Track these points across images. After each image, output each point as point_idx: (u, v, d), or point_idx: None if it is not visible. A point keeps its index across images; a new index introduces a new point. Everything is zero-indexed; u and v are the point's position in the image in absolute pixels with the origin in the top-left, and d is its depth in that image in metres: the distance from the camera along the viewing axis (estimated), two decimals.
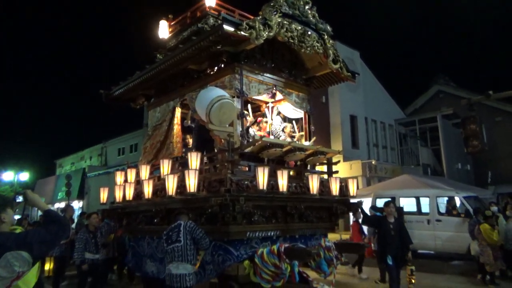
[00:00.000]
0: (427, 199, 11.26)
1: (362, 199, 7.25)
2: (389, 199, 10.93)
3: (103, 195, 7.28)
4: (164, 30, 7.54)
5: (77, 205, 26.36)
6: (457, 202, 10.99)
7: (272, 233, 5.34)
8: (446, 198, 11.29)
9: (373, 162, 17.55)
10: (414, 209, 11.45)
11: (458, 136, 16.82)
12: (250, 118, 6.86)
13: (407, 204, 11.58)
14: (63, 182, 23.43)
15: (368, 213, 7.33)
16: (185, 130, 7.09)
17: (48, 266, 9.21)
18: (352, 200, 6.48)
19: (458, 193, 11.33)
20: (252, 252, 5.00)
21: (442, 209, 11.10)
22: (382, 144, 21.87)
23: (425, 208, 11.22)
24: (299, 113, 7.03)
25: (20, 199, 2.48)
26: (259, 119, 7.38)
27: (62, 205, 26.14)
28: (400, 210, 10.37)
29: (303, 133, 6.94)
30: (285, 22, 5.77)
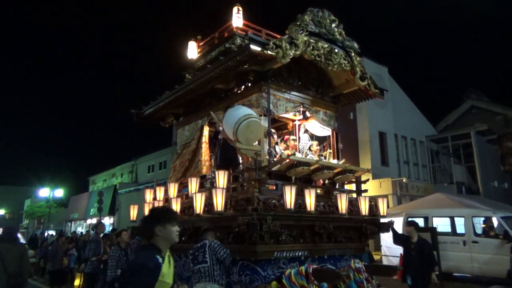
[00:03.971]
0: (462, 219, 10.77)
1: (393, 219, 7.02)
2: (422, 218, 10.60)
3: (133, 212, 7.42)
4: (193, 50, 7.74)
5: (108, 221, 26.95)
6: (495, 222, 10.46)
7: (300, 253, 5.25)
8: (482, 218, 10.75)
9: (404, 180, 17.06)
10: (449, 229, 10.97)
11: (494, 153, 16.16)
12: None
13: (441, 224, 11.12)
14: (95, 199, 24.04)
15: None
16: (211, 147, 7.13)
17: (78, 281, 9.38)
18: (382, 220, 6.31)
19: (495, 213, 10.75)
20: (280, 273, 4.92)
21: (479, 230, 10.58)
22: (413, 161, 21.24)
23: (460, 228, 10.74)
24: (326, 131, 6.96)
25: None
26: (286, 137, 7.35)
27: (94, 221, 26.80)
28: (433, 230, 10.00)
29: (330, 150, 6.86)
30: (312, 40, 5.79)
